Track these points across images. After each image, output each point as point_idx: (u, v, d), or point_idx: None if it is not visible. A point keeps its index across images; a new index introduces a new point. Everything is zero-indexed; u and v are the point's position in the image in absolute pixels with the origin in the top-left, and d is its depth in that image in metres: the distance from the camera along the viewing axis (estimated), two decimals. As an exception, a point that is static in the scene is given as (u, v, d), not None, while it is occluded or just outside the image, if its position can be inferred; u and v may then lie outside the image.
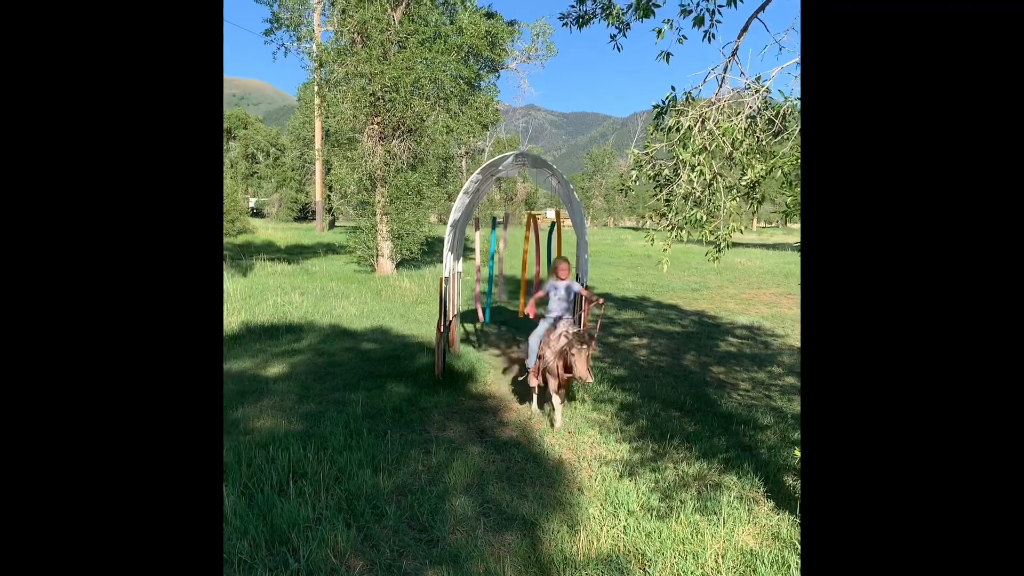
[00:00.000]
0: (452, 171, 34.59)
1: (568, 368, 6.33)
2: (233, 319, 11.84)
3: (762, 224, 75.99)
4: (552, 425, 6.63)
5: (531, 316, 7.38)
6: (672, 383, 8.59)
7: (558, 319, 7.13)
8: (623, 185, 4.78)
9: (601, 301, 6.99)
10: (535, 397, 7.32)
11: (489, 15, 20.22)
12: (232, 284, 15.93)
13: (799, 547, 4.21)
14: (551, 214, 9.79)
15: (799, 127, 4.12)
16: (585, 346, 6.12)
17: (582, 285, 8.11)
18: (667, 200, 4.27)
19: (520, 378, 7.68)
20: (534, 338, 7.15)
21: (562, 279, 7.34)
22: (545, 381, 6.85)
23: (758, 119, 4.05)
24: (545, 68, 23.30)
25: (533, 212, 11.91)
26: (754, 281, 21.50)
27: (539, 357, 6.92)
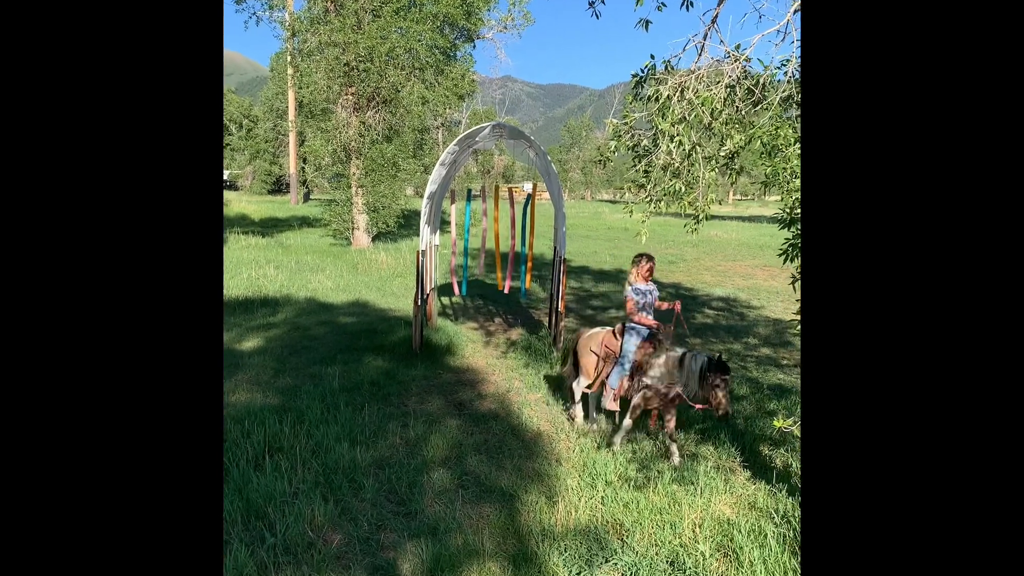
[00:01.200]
0: (428, 143, 34.26)
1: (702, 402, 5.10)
2: (207, 293, 11.68)
3: (738, 196, 76.39)
4: (673, 462, 5.19)
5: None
6: (649, 355, 8.61)
7: (652, 334, 5.69)
8: (601, 156, 4.74)
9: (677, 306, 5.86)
10: (579, 405, 6.12)
11: (465, -17, 19.90)
12: (205, 258, 15.71)
13: (775, 517, 4.26)
14: (528, 187, 9.71)
15: (778, 97, 4.10)
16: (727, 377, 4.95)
17: (561, 258, 8.09)
18: (646, 171, 4.23)
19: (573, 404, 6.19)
20: (629, 357, 5.60)
21: (647, 280, 5.74)
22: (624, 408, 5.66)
23: (737, 88, 4.01)
24: (522, 38, 22.94)
25: (510, 185, 11.83)
26: (730, 253, 21.63)
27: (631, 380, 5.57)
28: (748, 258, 20.49)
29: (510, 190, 10.24)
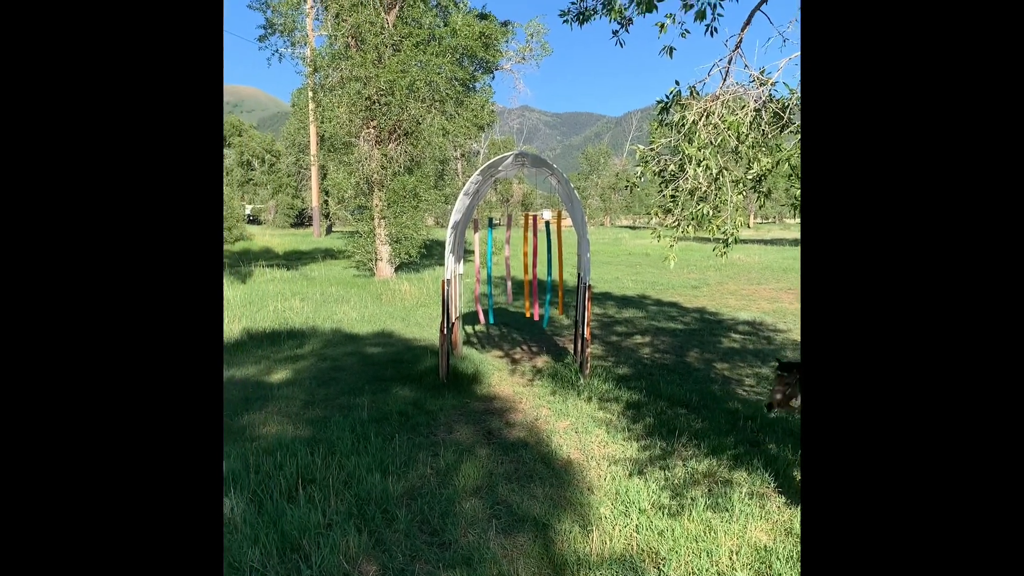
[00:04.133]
0: (448, 173, 34.56)
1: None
2: (234, 326, 11.80)
3: (758, 220, 76.10)
4: None
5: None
6: (677, 380, 8.56)
7: None
8: (628, 182, 4.76)
9: None
10: None
11: (483, 16, 20.22)
12: (232, 291, 15.89)
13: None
14: (547, 215, 9.72)
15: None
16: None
17: (586, 285, 8.09)
18: (672, 196, 4.24)
19: None
20: None
21: None
22: None
23: (763, 112, 4.02)
24: (539, 69, 23.17)
25: (530, 212, 11.88)
26: (754, 277, 21.49)
27: None
28: (772, 281, 20.34)
29: (529, 217, 10.27)
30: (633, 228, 66.31)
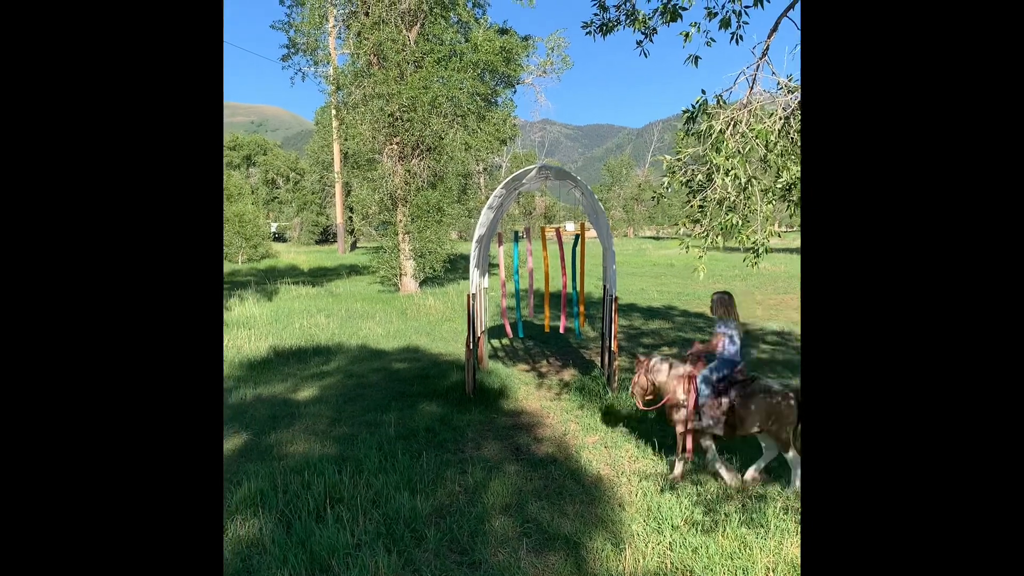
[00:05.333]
0: (471, 188, 34.68)
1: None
2: (261, 344, 11.86)
3: (783, 228, 75.42)
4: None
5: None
6: (706, 393, 8.43)
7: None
8: (655, 193, 4.69)
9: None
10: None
11: (503, 31, 20.29)
12: (258, 309, 16.01)
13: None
14: (571, 227, 9.70)
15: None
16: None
17: (612, 296, 8.03)
18: (700, 206, 4.18)
19: None
20: None
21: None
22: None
23: (792, 120, 3.95)
24: (561, 81, 23.16)
25: (553, 225, 11.85)
26: (780, 286, 21.24)
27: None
28: (799, 291, 20.05)
29: (553, 230, 10.24)
30: (657, 239, 66.00)
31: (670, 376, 5.58)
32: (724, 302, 5.25)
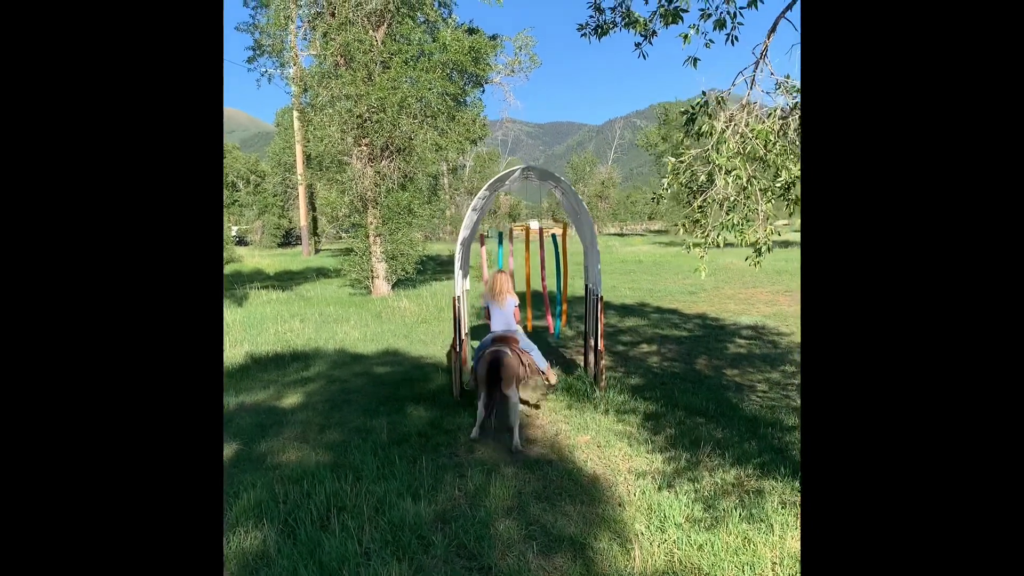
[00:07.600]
0: (440, 189, 34.53)
1: None
2: (237, 351, 11.69)
3: (783, 223, 76.41)
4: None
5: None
6: (691, 389, 8.54)
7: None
8: (655, 195, 4.73)
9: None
10: None
11: (471, 31, 20.27)
12: (230, 315, 15.77)
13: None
14: (534, 225, 9.71)
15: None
16: None
17: (598, 296, 8.07)
18: (700, 207, 4.22)
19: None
20: None
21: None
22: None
23: (790, 120, 4.01)
24: (529, 80, 23.15)
25: (521, 223, 11.87)
26: (748, 281, 21.55)
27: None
28: (768, 284, 20.40)
29: (537, 231, 10.26)
30: (621, 235, 66.50)
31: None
32: None
